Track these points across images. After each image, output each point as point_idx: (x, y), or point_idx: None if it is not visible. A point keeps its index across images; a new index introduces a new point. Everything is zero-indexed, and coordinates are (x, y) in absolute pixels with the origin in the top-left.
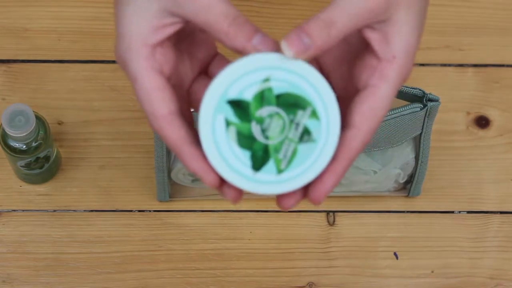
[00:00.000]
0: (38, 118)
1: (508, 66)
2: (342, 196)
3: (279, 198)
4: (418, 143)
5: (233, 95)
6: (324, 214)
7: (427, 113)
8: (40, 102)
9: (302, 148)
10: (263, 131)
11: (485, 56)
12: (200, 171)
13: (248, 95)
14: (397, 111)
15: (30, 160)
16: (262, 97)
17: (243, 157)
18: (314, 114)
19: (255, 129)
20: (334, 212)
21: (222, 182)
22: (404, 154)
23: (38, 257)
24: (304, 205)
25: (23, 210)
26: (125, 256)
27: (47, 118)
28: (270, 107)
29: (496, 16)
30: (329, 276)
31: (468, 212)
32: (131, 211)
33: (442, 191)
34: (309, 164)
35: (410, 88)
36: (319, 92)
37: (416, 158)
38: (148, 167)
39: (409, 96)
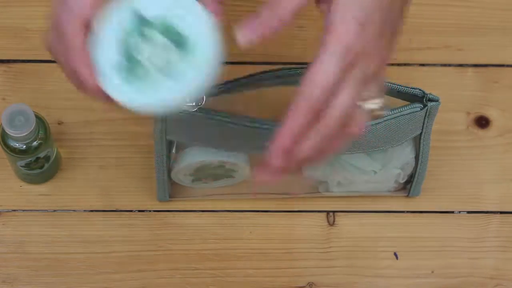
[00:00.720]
0: (38, 118)
1: (508, 66)
2: (342, 196)
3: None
4: (418, 143)
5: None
6: (324, 214)
7: (427, 113)
8: (40, 102)
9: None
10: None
11: (485, 56)
12: (84, 74)
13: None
14: (397, 111)
15: (30, 160)
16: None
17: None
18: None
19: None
20: (334, 212)
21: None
22: (404, 154)
23: (38, 257)
24: (304, 205)
25: (23, 210)
26: (125, 256)
27: (47, 118)
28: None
29: (496, 16)
30: (329, 276)
31: (468, 212)
32: (131, 211)
33: (442, 191)
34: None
35: (410, 88)
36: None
37: (416, 158)
38: (148, 167)
39: (409, 96)
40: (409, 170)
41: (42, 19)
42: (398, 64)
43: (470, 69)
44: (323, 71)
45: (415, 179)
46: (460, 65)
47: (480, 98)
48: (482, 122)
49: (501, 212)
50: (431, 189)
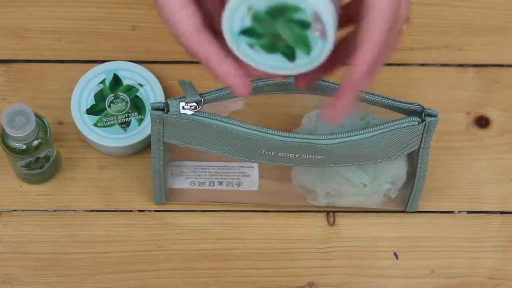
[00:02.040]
0: (38, 118)
1: (508, 66)
2: None
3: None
4: (416, 158)
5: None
6: (324, 214)
7: (426, 128)
8: (40, 102)
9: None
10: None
11: (485, 56)
12: (231, 83)
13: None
14: (394, 124)
15: (30, 160)
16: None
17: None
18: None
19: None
20: (334, 212)
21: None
22: (396, 168)
23: (38, 257)
24: (304, 205)
25: (23, 210)
26: (125, 256)
27: (47, 118)
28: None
29: (496, 16)
30: (329, 276)
31: (468, 212)
32: (131, 211)
33: (442, 191)
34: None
35: (409, 103)
36: None
37: (413, 173)
38: (148, 167)
39: (408, 111)
40: (399, 185)
41: (42, 19)
42: (398, 64)
43: (470, 69)
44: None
45: (412, 194)
46: (460, 65)
47: (480, 98)
48: (482, 122)
49: (501, 212)
50: (431, 189)
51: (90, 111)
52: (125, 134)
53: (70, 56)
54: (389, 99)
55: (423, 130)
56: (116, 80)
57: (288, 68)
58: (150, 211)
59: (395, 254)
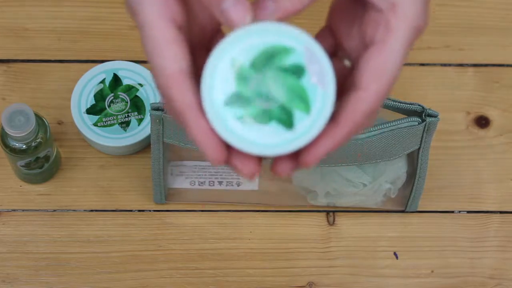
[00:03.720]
0: (38, 118)
1: (508, 66)
2: None
3: (274, 164)
4: (416, 158)
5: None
6: (324, 214)
7: (426, 129)
8: (40, 102)
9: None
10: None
11: (485, 56)
12: (204, 144)
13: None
14: (394, 124)
15: (30, 160)
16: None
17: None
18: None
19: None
20: (334, 212)
21: (228, 157)
22: (396, 169)
23: (38, 257)
24: (304, 205)
25: (23, 210)
26: (125, 256)
27: (47, 118)
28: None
29: (496, 16)
30: (329, 276)
31: (468, 212)
32: (131, 211)
33: (442, 191)
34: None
35: (409, 103)
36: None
37: (413, 173)
38: (148, 167)
39: (408, 112)
40: (399, 184)
41: (42, 19)
42: None
43: (470, 69)
44: (391, 63)
45: (412, 194)
46: (460, 65)
47: (480, 98)
48: (482, 122)
49: (501, 212)
50: (431, 189)
51: (90, 111)
52: (125, 134)
53: (70, 56)
54: (389, 99)
55: (423, 131)
56: (116, 80)
57: (288, 140)
58: (150, 211)
59: (395, 254)
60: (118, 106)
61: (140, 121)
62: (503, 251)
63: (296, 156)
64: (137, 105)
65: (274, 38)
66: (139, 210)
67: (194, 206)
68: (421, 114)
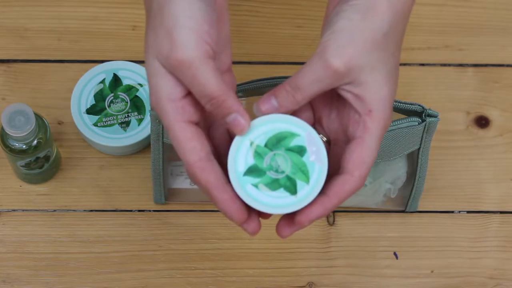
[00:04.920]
0: (38, 118)
1: (508, 66)
2: None
3: (279, 229)
4: (416, 158)
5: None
6: None
7: (426, 129)
8: (40, 102)
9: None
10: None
11: (485, 56)
12: (228, 211)
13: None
14: (394, 124)
15: (30, 160)
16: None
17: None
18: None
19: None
20: (334, 212)
21: (246, 219)
22: (396, 169)
23: (38, 257)
24: None
25: (23, 210)
26: (125, 256)
27: (47, 118)
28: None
29: (496, 16)
30: (329, 276)
31: (468, 212)
32: (131, 211)
33: (442, 191)
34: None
35: (409, 104)
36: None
37: (413, 173)
38: (148, 167)
39: (408, 112)
40: (399, 185)
41: (42, 19)
42: None
43: (470, 69)
44: (368, 156)
45: (412, 195)
46: (460, 65)
47: (480, 98)
48: (482, 122)
49: (501, 212)
50: (431, 189)
51: (90, 111)
52: (125, 134)
53: (70, 56)
54: None
55: (423, 131)
56: (116, 80)
57: (292, 203)
58: (150, 211)
59: (395, 254)
60: (118, 106)
61: (140, 121)
62: (503, 251)
63: (293, 219)
64: (137, 105)
65: (283, 125)
66: (139, 210)
67: (194, 206)
68: (421, 114)
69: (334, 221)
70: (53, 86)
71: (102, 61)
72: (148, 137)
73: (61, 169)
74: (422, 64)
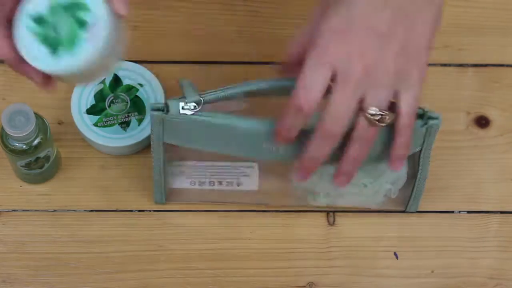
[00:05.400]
0: (38, 118)
1: (508, 66)
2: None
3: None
4: (417, 159)
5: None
6: (324, 214)
7: (428, 132)
8: (40, 102)
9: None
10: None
11: (485, 56)
12: (29, 74)
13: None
14: None
15: (30, 160)
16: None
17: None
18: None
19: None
20: (334, 212)
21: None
22: None
23: (38, 257)
24: (304, 205)
25: (23, 210)
26: (125, 256)
27: (47, 118)
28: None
29: (496, 16)
30: (329, 276)
31: (468, 212)
32: (131, 211)
33: (442, 191)
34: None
35: None
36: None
37: (414, 174)
38: (148, 167)
39: None
40: (400, 185)
41: None
42: None
43: (470, 69)
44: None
45: (413, 195)
46: (460, 65)
47: (480, 98)
48: (482, 122)
49: (501, 212)
50: (431, 189)
51: (90, 111)
52: (125, 134)
53: None
54: None
55: (425, 133)
56: (116, 80)
57: (50, 64)
58: (150, 211)
59: (395, 254)
60: (118, 106)
61: (140, 121)
62: (503, 251)
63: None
64: (137, 105)
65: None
66: (139, 210)
67: (194, 206)
68: (422, 116)
69: (334, 221)
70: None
71: None
72: (148, 137)
73: (61, 169)
74: None
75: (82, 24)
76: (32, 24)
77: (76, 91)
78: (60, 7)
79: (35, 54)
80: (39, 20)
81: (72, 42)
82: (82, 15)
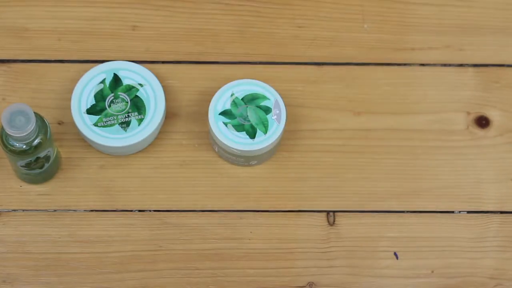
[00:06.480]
0: (38, 118)
1: (508, 66)
2: (342, 196)
3: None
4: None
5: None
6: (324, 214)
7: None
8: (40, 102)
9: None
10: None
11: (485, 56)
12: None
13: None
14: None
15: (30, 160)
16: (235, 104)
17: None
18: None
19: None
20: (334, 212)
21: None
22: None
23: (38, 257)
24: (304, 205)
25: (23, 210)
26: (125, 256)
27: (47, 118)
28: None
29: (496, 16)
30: (329, 276)
31: (468, 212)
32: (131, 211)
33: (442, 191)
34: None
35: None
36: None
37: None
38: (148, 167)
39: None
40: None
41: (42, 19)
42: (398, 64)
43: (470, 69)
44: None
45: None
46: (460, 65)
47: (480, 98)
48: (482, 122)
49: (501, 212)
50: (431, 189)
51: (90, 111)
52: (125, 134)
53: (70, 56)
54: None
55: None
56: (116, 80)
57: (249, 143)
58: (150, 211)
59: (395, 254)
60: (118, 106)
61: (140, 121)
62: (503, 251)
63: None
64: (137, 105)
65: (259, 89)
66: (139, 210)
67: (194, 207)
68: None
69: (334, 221)
70: (53, 86)
71: (102, 61)
72: (148, 137)
73: (61, 169)
74: (422, 64)
75: (266, 110)
76: (224, 120)
77: (76, 91)
78: (242, 101)
79: (236, 140)
80: (228, 114)
81: (265, 125)
82: (263, 102)
